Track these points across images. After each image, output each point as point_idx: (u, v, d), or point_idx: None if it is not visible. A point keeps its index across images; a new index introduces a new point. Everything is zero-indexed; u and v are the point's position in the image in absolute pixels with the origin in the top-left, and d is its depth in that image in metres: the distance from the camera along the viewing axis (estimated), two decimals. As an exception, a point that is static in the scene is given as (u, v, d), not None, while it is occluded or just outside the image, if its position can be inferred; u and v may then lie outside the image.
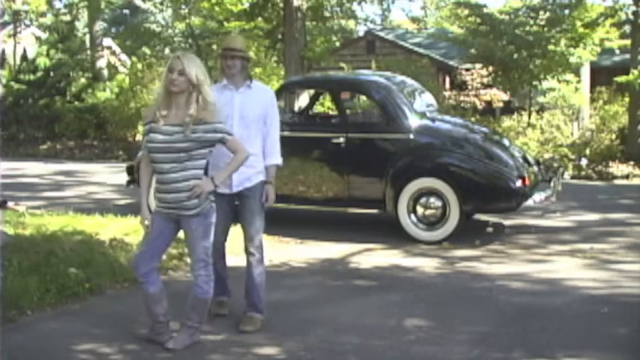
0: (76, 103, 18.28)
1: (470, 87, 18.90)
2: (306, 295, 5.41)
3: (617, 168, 12.72)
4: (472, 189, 7.03)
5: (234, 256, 5.23)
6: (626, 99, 14.64)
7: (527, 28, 15.46)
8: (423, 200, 7.12)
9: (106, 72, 19.61)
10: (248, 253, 4.57)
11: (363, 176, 7.40)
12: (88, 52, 20.22)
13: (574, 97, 15.83)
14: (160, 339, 4.21)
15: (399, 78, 8.45)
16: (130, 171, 8.46)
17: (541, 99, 17.26)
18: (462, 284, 5.64)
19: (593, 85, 16.88)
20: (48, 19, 26.14)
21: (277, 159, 4.61)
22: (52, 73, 18.90)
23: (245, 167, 4.23)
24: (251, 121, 4.48)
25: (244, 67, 4.53)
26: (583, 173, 12.54)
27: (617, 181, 12.15)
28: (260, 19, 19.73)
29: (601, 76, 17.84)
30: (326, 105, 14.00)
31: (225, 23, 19.43)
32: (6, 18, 25.74)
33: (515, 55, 15.03)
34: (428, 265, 6.24)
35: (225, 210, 4.46)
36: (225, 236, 4.66)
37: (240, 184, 4.47)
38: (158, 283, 4.19)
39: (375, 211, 7.52)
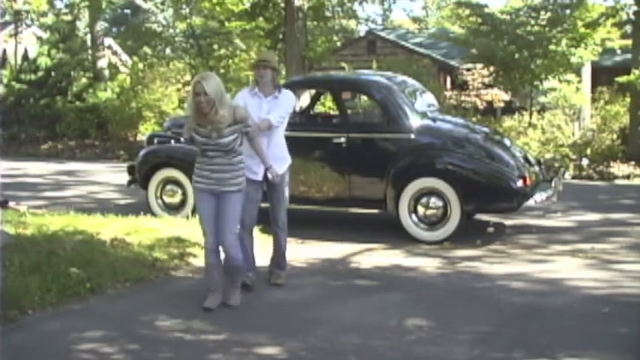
0: (77, 102, 18.28)
1: (471, 87, 18.88)
2: (307, 295, 5.41)
3: (618, 168, 12.72)
4: (473, 189, 7.02)
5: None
6: (627, 99, 14.62)
7: (529, 28, 15.45)
8: (424, 200, 7.11)
9: (107, 72, 19.60)
10: (276, 227, 5.55)
11: (364, 176, 7.39)
12: (89, 51, 20.21)
13: (575, 97, 15.82)
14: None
15: (400, 78, 8.45)
16: (131, 171, 8.47)
17: (542, 99, 17.26)
18: (463, 284, 5.64)
19: (594, 85, 16.86)
20: (49, 19, 26.15)
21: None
22: (53, 73, 18.91)
23: (271, 160, 5.14)
24: (275, 124, 5.27)
25: (274, 77, 5.39)
26: (584, 173, 12.54)
27: (618, 181, 12.14)
28: (261, 18, 19.74)
29: (602, 76, 17.83)
30: (327, 105, 14.00)
31: (227, 23, 19.42)
32: (7, 18, 25.77)
33: (517, 55, 15.02)
34: (429, 265, 6.24)
35: (254, 193, 5.31)
36: (255, 216, 5.41)
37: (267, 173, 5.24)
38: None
39: (376, 211, 7.51)
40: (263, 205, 5.66)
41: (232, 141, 4.79)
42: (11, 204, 8.30)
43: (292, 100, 5.54)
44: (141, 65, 19.45)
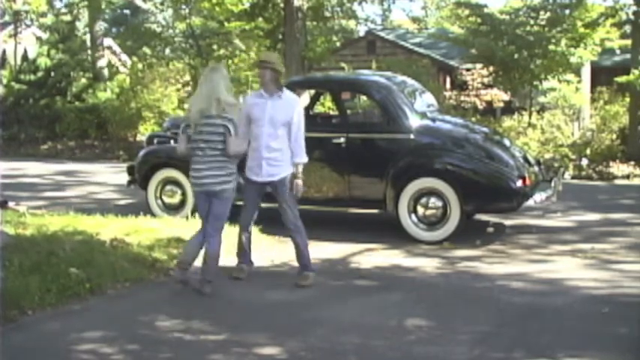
0: (77, 103, 18.27)
1: (470, 87, 18.89)
2: (307, 295, 5.41)
3: (618, 168, 12.72)
4: (473, 189, 7.02)
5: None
6: (627, 99, 14.63)
7: (528, 28, 15.46)
8: (423, 200, 7.11)
9: (106, 72, 19.61)
10: (288, 228, 5.60)
11: (364, 176, 7.39)
12: (89, 52, 20.21)
13: (574, 97, 15.83)
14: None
15: (400, 78, 8.44)
16: (131, 171, 8.46)
17: (542, 99, 17.26)
18: (463, 284, 5.64)
19: (593, 85, 16.87)
20: (48, 19, 26.15)
21: (302, 158, 5.52)
22: (52, 73, 18.91)
23: (270, 163, 5.41)
24: (279, 124, 5.39)
25: (274, 77, 5.44)
26: (584, 173, 12.54)
27: (617, 181, 12.14)
28: (260, 19, 19.75)
29: (601, 76, 17.84)
30: (327, 105, 14.00)
31: (226, 23, 19.44)
32: (6, 18, 25.76)
33: (516, 55, 15.02)
34: (429, 265, 6.24)
35: (254, 193, 5.58)
36: (254, 214, 5.68)
37: (268, 176, 5.46)
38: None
39: (375, 211, 7.51)
40: (264, 205, 5.71)
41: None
42: (11, 204, 8.30)
43: (298, 104, 5.58)
44: (140, 65, 19.43)
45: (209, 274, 5.27)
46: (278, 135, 5.42)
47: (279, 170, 5.46)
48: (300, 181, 5.51)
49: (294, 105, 5.50)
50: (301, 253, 5.63)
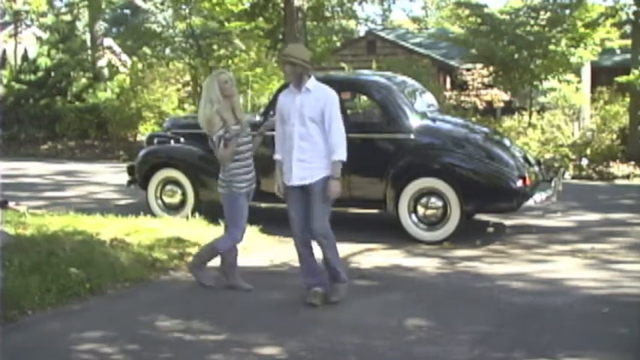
0: (77, 103, 18.28)
1: (470, 87, 18.90)
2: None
3: (618, 168, 12.72)
4: (473, 189, 7.02)
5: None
6: (627, 99, 14.63)
7: (528, 28, 15.46)
8: (423, 200, 7.11)
9: (106, 72, 19.61)
10: (315, 240, 5.10)
11: (364, 176, 7.38)
12: (89, 52, 20.21)
13: (575, 97, 15.83)
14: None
15: (400, 78, 8.45)
16: (131, 171, 8.46)
17: (542, 99, 17.26)
18: (463, 284, 5.64)
19: (593, 85, 16.88)
20: (49, 19, 26.14)
21: (339, 155, 4.92)
22: (52, 73, 18.92)
23: (301, 166, 4.93)
24: (309, 121, 4.93)
25: (293, 71, 4.99)
26: (584, 173, 12.54)
27: (617, 181, 12.14)
28: (261, 19, 19.77)
29: (602, 76, 17.83)
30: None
31: (226, 23, 19.43)
32: (7, 18, 25.76)
33: (516, 55, 15.03)
34: (429, 265, 6.24)
35: (291, 199, 5.09)
36: (299, 223, 5.11)
37: (300, 179, 4.98)
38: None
39: (375, 211, 7.52)
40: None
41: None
42: (11, 204, 8.30)
43: (332, 97, 5.01)
44: (140, 65, 19.43)
45: (192, 265, 5.53)
46: (311, 133, 4.95)
47: (310, 173, 4.96)
48: (336, 182, 4.96)
49: (322, 98, 4.98)
50: (328, 265, 5.16)
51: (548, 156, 13.05)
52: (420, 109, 7.62)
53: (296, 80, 5.02)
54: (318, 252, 5.13)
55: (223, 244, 5.37)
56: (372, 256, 6.56)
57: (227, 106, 5.22)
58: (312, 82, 5.04)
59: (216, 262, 5.49)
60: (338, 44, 23.80)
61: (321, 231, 5.07)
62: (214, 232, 6.40)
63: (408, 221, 7.14)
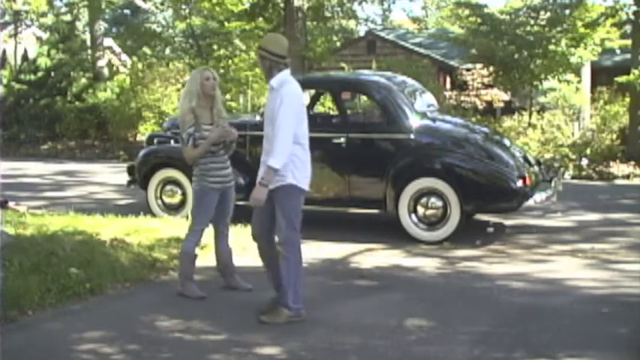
0: (77, 103, 18.28)
1: (470, 87, 18.89)
2: (307, 295, 5.37)
3: (618, 168, 12.73)
4: (473, 189, 7.02)
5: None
6: (627, 99, 14.63)
7: (528, 28, 15.47)
8: (423, 200, 7.11)
9: (106, 72, 19.61)
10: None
11: (364, 176, 7.39)
12: (89, 52, 20.22)
13: (575, 97, 15.85)
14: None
15: (400, 78, 8.45)
16: (131, 171, 8.46)
17: (542, 99, 17.28)
18: (463, 284, 5.64)
19: (593, 85, 16.88)
20: (49, 19, 26.16)
21: (271, 161, 4.39)
22: (52, 73, 18.92)
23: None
24: (268, 121, 4.58)
25: (264, 65, 4.61)
26: (584, 173, 12.54)
27: (617, 181, 12.15)
28: (261, 19, 19.75)
29: (602, 76, 17.83)
30: (327, 105, 13.99)
31: (226, 23, 19.44)
32: (7, 18, 25.75)
33: (516, 55, 15.04)
34: (429, 265, 6.24)
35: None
36: (266, 227, 4.74)
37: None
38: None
39: (375, 211, 7.51)
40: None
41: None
42: (11, 204, 8.31)
43: (283, 94, 4.48)
44: (140, 65, 19.42)
45: (180, 284, 5.31)
46: (269, 135, 4.53)
47: (276, 180, 4.49)
48: (259, 188, 4.42)
49: (278, 97, 4.46)
50: (282, 280, 4.67)
51: (548, 156, 13.06)
52: (420, 109, 7.62)
53: (265, 74, 4.66)
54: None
55: (187, 244, 5.25)
56: (372, 256, 6.56)
57: (206, 104, 5.10)
58: (278, 79, 4.55)
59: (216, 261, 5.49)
60: (338, 44, 23.77)
61: (282, 239, 4.68)
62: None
63: (408, 221, 7.14)
